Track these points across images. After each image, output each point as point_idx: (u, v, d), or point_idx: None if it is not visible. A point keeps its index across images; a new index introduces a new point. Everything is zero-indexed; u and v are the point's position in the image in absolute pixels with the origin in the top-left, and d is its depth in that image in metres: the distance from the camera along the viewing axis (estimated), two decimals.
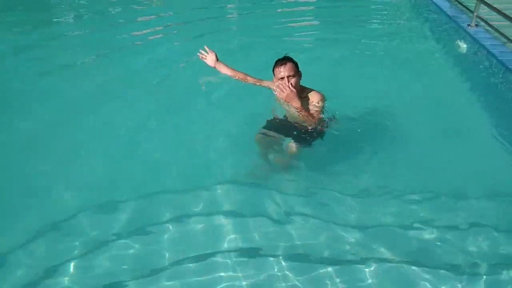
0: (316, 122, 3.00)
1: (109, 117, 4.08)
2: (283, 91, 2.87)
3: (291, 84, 2.88)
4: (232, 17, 8.57)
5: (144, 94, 4.57)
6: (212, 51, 3.57)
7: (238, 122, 3.85)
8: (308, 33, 7.01)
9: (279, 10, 8.49)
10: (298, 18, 7.82)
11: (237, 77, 3.49)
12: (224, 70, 3.53)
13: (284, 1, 9.30)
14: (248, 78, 3.45)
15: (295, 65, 2.97)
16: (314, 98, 3.05)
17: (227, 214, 2.81)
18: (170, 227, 2.69)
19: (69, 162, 3.36)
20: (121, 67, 5.44)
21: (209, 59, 3.56)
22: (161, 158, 3.45)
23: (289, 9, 8.62)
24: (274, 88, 3.06)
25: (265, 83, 3.38)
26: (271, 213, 2.79)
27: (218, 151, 3.50)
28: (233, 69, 3.52)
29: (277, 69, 2.95)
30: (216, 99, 4.29)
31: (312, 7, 9.01)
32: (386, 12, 8.41)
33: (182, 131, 3.87)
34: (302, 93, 3.02)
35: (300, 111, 2.95)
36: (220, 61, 3.56)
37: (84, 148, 3.56)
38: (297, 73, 2.97)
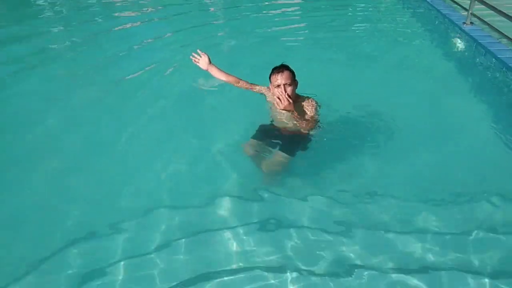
0: (312, 128, 2.99)
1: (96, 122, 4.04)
2: (281, 102, 2.83)
3: (287, 94, 2.83)
4: (220, 18, 8.38)
5: (131, 98, 4.49)
6: (205, 54, 3.49)
7: (230, 127, 3.79)
8: (297, 33, 6.89)
9: (270, 13, 8.27)
10: (287, 19, 7.67)
11: (229, 81, 3.42)
12: (216, 73, 3.46)
13: (272, 3, 9.05)
14: (240, 82, 3.38)
15: (292, 73, 2.92)
16: (308, 105, 3.02)
17: (222, 224, 2.77)
18: (167, 239, 2.67)
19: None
20: (107, 67, 5.40)
21: (202, 62, 3.48)
22: (151, 167, 3.37)
23: (278, 11, 8.36)
24: (272, 98, 3.02)
25: (257, 88, 3.31)
26: (265, 223, 2.78)
27: (208, 158, 3.44)
28: (225, 72, 3.45)
29: (274, 76, 2.89)
30: (207, 104, 4.22)
31: (299, 7, 8.84)
32: (379, 12, 8.32)
33: (173, 137, 3.78)
34: (296, 100, 2.99)
35: (296, 118, 2.92)
36: (213, 64, 3.48)
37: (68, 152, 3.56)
38: (293, 81, 2.92)
